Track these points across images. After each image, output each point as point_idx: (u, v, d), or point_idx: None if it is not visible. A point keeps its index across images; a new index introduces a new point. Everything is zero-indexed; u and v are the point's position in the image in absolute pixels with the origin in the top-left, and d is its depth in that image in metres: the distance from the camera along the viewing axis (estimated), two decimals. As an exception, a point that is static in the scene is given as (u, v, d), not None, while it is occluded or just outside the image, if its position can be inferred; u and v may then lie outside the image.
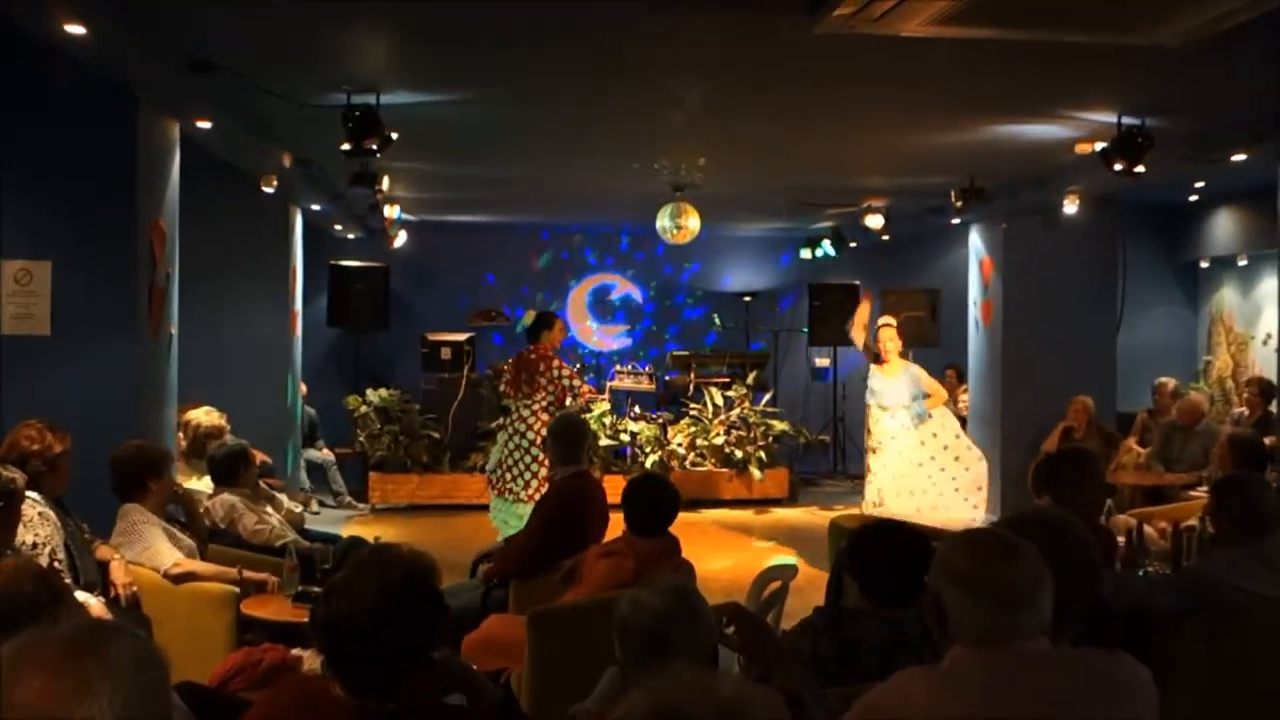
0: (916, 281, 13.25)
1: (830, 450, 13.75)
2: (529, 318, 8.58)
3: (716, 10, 4.72)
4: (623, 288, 14.36)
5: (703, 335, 14.24)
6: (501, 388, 8.99)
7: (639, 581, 3.72)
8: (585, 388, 8.52)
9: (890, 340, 8.81)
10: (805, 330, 13.61)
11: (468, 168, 9.19)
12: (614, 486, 11.22)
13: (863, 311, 9.16)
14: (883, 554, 3.23)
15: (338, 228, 12.31)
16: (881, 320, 9.10)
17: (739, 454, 11.76)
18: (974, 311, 10.97)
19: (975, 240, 10.93)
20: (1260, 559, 4.06)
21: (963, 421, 11.16)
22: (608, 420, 11.65)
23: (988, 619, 2.21)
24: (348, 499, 11.26)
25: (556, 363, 8.29)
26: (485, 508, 11.11)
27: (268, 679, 4.18)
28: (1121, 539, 4.92)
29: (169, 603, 4.88)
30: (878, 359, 8.87)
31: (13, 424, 4.92)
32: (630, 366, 12.66)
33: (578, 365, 12.87)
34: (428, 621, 2.38)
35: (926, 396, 8.77)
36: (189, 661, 3.86)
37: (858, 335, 9.07)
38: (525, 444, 8.18)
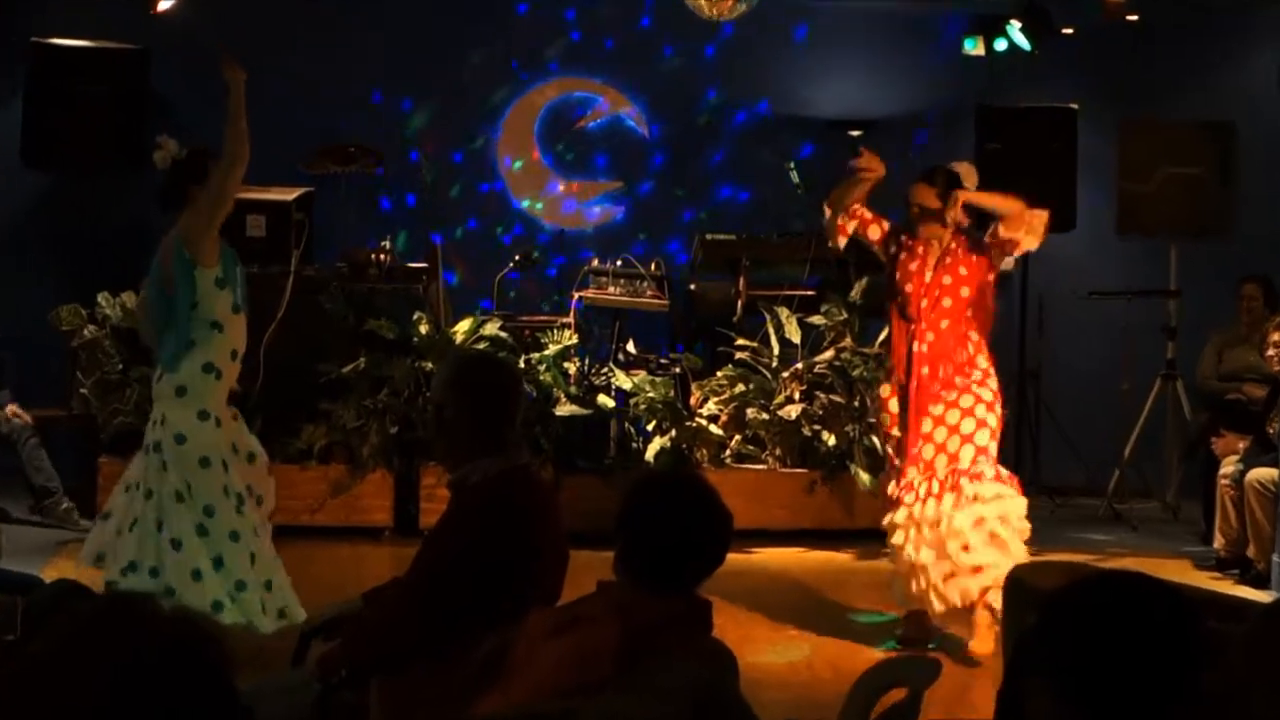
0: (1190, 108, 13.21)
1: (1011, 436, 13.72)
2: None
3: None
4: (608, 105, 14.49)
5: (766, 202, 14.30)
6: None
7: (626, 677, 3.72)
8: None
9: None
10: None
11: None
12: (580, 496, 11.08)
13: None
14: (1108, 638, 3.20)
15: (46, -30, 12.25)
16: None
17: (830, 439, 11.84)
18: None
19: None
20: None
21: (1269, 402, 11.12)
22: (572, 368, 11.76)
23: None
24: (64, 504, 11.41)
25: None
26: (340, 532, 11.31)
27: None
28: None
29: None
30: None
31: None
32: (619, 262, 12.74)
33: (517, 256, 12.85)
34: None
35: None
36: None
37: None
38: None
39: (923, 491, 8.83)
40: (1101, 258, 13.88)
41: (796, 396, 11.86)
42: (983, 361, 8.96)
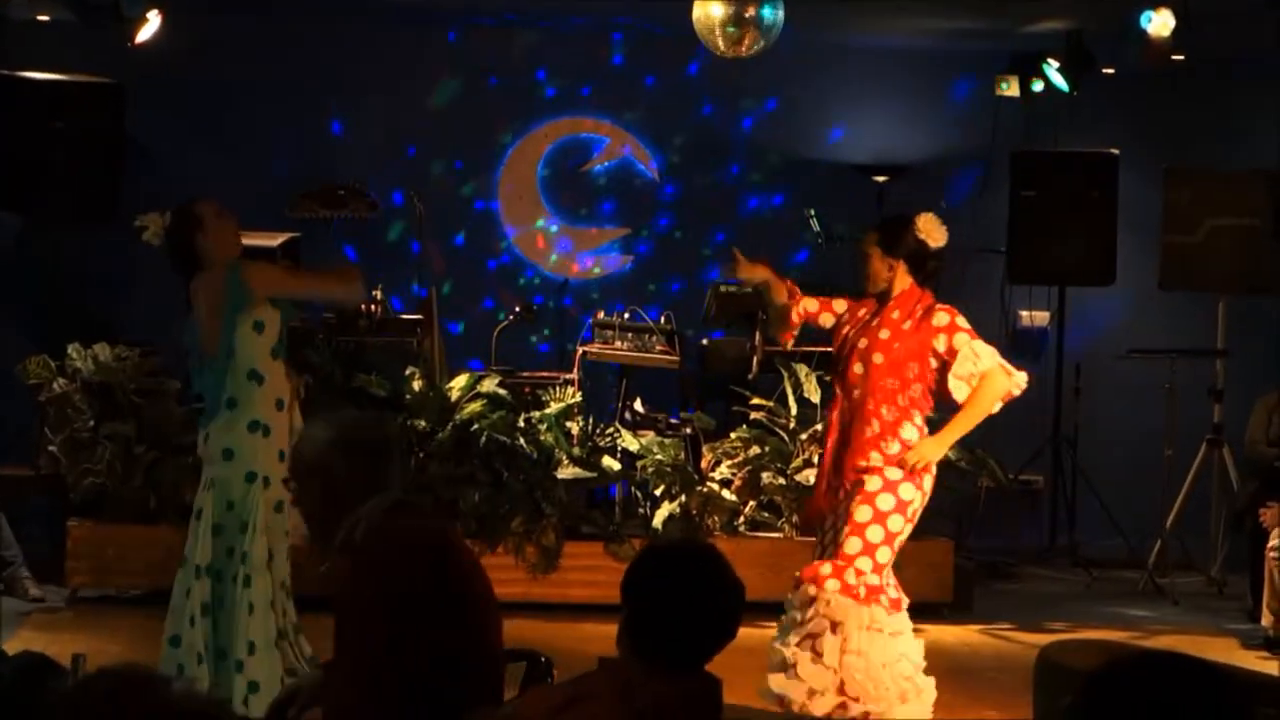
0: (1239, 156, 13.29)
1: (1046, 503, 13.94)
2: None
3: None
4: (615, 146, 14.60)
5: (784, 252, 14.31)
6: None
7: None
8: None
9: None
10: (1001, 250, 13.77)
11: None
12: (583, 565, 11.02)
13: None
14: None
15: (18, -3, 12.31)
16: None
17: (851, 507, 11.74)
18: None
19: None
20: None
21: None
22: (575, 428, 11.76)
23: None
24: (23, 576, 11.35)
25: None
26: (322, 604, 10.90)
27: None
28: None
29: None
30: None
31: None
32: (625, 315, 12.77)
33: (516, 308, 12.83)
34: None
35: None
36: None
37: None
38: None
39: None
40: (1143, 314, 14.02)
41: (815, 460, 11.61)
42: (894, 445, 8.44)
